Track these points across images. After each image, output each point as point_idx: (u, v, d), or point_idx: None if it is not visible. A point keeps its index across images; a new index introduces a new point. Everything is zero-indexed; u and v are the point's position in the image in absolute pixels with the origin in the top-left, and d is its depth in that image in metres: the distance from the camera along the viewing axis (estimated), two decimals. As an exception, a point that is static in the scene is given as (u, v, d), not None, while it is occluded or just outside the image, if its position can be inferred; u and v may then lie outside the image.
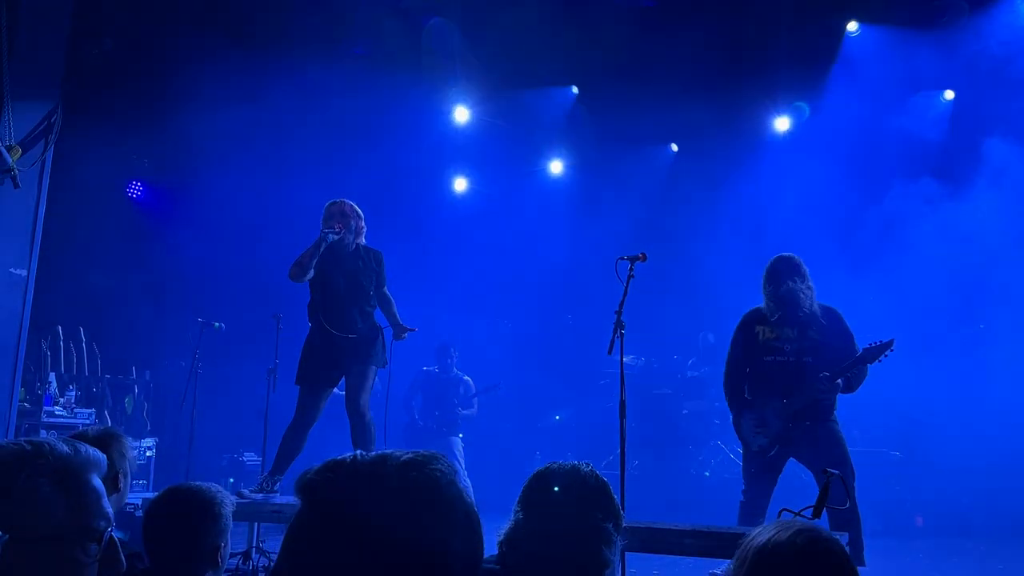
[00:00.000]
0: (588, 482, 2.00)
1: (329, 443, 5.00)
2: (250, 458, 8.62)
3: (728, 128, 9.12)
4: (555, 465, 2.06)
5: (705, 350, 9.43)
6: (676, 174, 10.03)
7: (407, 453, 1.08)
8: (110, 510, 1.38)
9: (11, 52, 6.12)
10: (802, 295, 4.81)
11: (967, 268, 8.10)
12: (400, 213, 9.30)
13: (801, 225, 8.30)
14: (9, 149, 6.15)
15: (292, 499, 4.71)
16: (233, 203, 8.69)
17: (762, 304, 4.98)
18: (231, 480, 8.37)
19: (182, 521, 2.38)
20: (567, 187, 10.50)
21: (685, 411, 9.47)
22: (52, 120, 6.64)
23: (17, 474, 1.27)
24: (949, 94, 8.97)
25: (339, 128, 8.98)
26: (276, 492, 5.16)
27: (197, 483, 2.51)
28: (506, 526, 1.98)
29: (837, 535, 3.54)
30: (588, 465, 2.06)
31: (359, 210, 5.55)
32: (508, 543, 1.95)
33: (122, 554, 1.38)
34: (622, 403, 4.24)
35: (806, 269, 4.88)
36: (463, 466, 8.22)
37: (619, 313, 4.31)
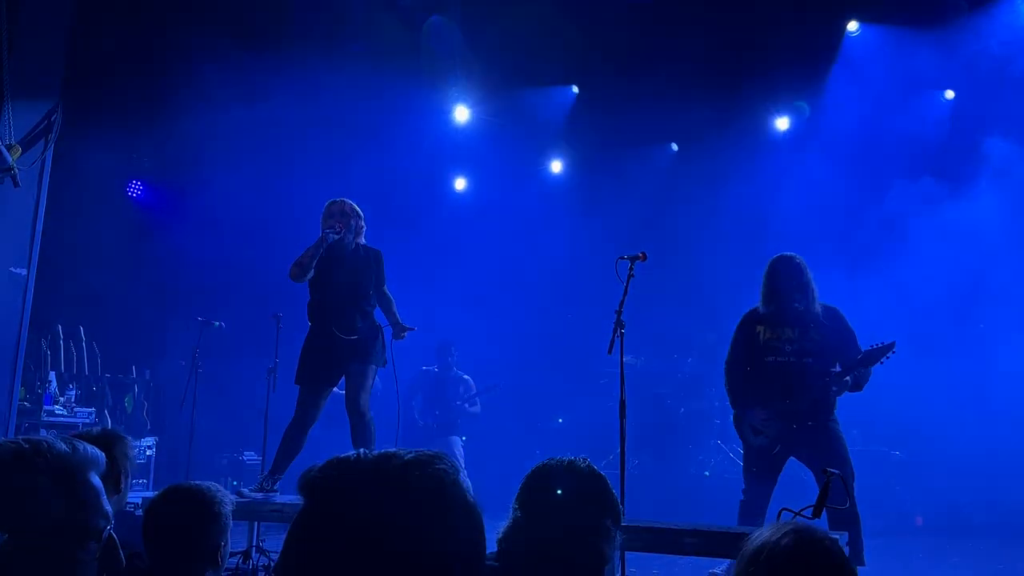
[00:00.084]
0: (586, 478, 2.00)
1: (329, 443, 5.00)
2: (250, 457, 8.62)
3: (728, 128, 9.11)
4: (553, 462, 2.05)
5: (704, 349, 9.42)
6: (676, 174, 10.02)
7: (410, 452, 1.08)
8: (109, 508, 1.38)
9: (11, 50, 6.12)
10: (803, 295, 4.81)
11: (967, 268, 8.10)
12: (400, 212, 9.29)
13: (801, 225, 8.30)
14: (9, 148, 6.15)
15: (292, 498, 4.74)
16: (233, 202, 8.69)
17: (762, 303, 4.97)
18: (231, 480, 8.37)
19: (182, 520, 2.38)
20: (567, 187, 10.50)
21: (684, 410, 9.46)
22: (52, 119, 6.65)
23: (16, 473, 1.28)
24: (949, 94, 8.97)
25: (339, 127, 8.98)
26: (276, 491, 5.16)
27: (197, 482, 2.51)
28: (505, 523, 1.98)
29: (836, 535, 3.55)
30: (586, 461, 2.05)
31: (359, 209, 5.56)
32: (508, 540, 1.95)
33: (121, 552, 1.38)
34: (622, 402, 4.24)
35: (808, 268, 4.88)
36: (463, 465, 8.22)
37: (619, 313, 4.32)
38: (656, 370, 9.70)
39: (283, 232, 7.75)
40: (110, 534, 1.37)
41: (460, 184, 10.85)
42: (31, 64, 6.45)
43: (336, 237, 5.35)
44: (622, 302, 4.32)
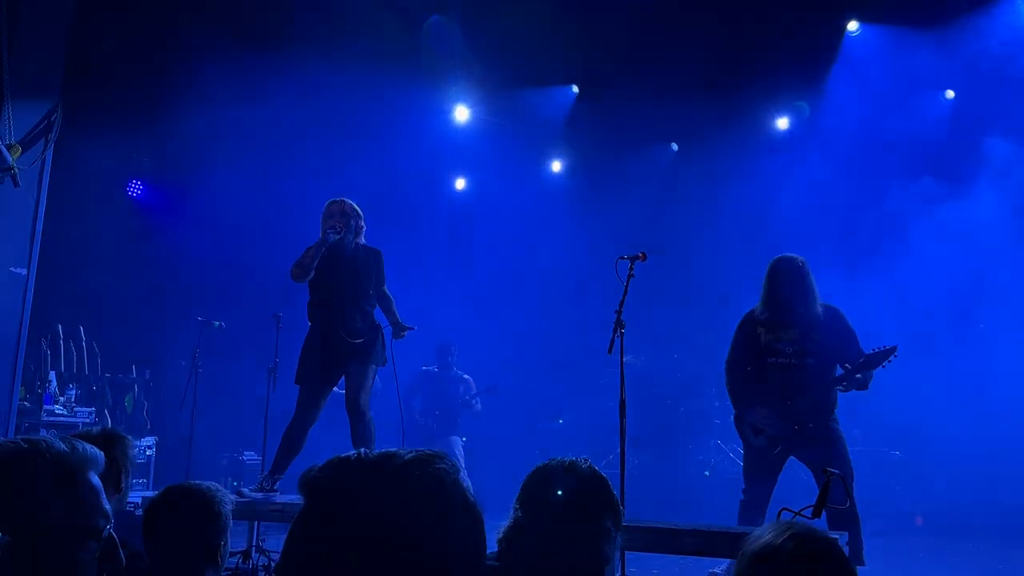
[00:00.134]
0: (587, 479, 2.00)
1: (329, 442, 5.00)
2: (250, 457, 8.62)
3: (729, 127, 9.12)
4: (554, 462, 2.05)
5: (704, 349, 9.42)
6: (676, 174, 10.03)
7: (410, 452, 1.08)
8: (109, 508, 1.38)
9: (11, 50, 6.12)
10: (804, 297, 4.80)
11: (967, 268, 8.10)
12: (401, 212, 9.30)
13: (801, 224, 8.30)
14: (9, 148, 6.15)
15: (292, 498, 4.73)
16: (233, 202, 8.69)
17: (764, 304, 4.97)
18: (231, 480, 8.37)
19: (182, 520, 2.38)
20: (567, 187, 10.50)
21: (684, 410, 9.46)
22: (52, 119, 6.65)
23: (15, 472, 1.27)
24: (949, 94, 8.98)
25: (339, 127, 8.98)
26: (276, 491, 5.16)
27: (197, 482, 2.51)
28: (506, 524, 1.98)
29: (836, 535, 3.55)
30: (587, 461, 2.05)
31: (359, 209, 5.56)
32: (508, 540, 1.95)
33: (121, 552, 1.38)
34: (622, 402, 4.24)
35: (809, 269, 4.87)
36: (463, 465, 8.22)
37: (619, 312, 4.32)
38: (656, 370, 9.70)
39: (283, 232, 7.75)
40: (110, 534, 1.37)
41: (460, 184, 10.85)
42: (31, 64, 6.45)
43: (336, 237, 5.36)
44: (622, 302, 4.32)
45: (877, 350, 4.62)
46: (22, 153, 6.31)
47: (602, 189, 9.92)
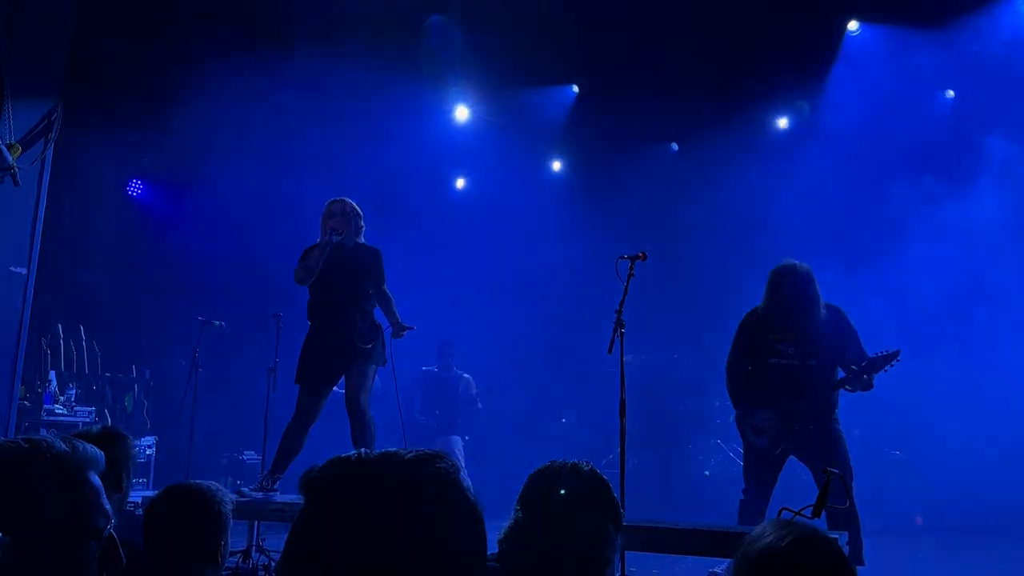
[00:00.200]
0: (588, 481, 2.00)
1: (329, 442, 5.00)
2: (250, 457, 8.62)
3: (729, 127, 9.12)
4: (555, 464, 2.05)
5: (704, 348, 9.42)
6: (677, 173, 10.02)
7: (411, 451, 1.08)
8: (109, 508, 1.38)
9: (11, 49, 6.11)
10: (807, 299, 4.80)
11: (967, 268, 8.10)
12: (401, 212, 9.30)
13: (801, 224, 8.30)
14: (9, 147, 6.15)
15: (292, 497, 4.73)
16: (233, 201, 8.70)
17: (765, 304, 4.97)
18: (232, 479, 8.37)
19: (182, 519, 2.38)
20: (567, 186, 10.50)
21: (684, 410, 9.46)
22: (52, 118, 6.64)
23: (15, 472, 1.27)
24: (950, 93, 8.98)
25: (340, 127, 8.98)
26: (276, 491, 5.16)
27: (197, 481, 2.51)
28: (506, 525, 1.98)
29: (836, 535, 3.55)
30: (588, 464, 2.05)
31: (358, 209, 5.56)
32: (509, 541, 1.95)
33: (121, 551, 1.38)
34: (622, 402, 4.24)
35: (813, 275, 4.87)
36: (463, 465, 8.22)
37: (619, 312, 4.32)
38: (656, 370, 9.70)
39: (283, 231, 7.75)
40: (110, 533, 1.37)
41: (460, 184, 10.85)
42: (31, 64, 6.45)
43: (339, 239, 5.36)
44: (622, 302, 4.33)
45: (880, 354, 4.63)
46: (22, 152, 6.30)
47: (602, 189, 9.92)
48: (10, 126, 6.20)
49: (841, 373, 4.81)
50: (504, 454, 8.60)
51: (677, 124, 9.54)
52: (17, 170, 6.19)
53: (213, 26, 7.64)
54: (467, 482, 1.10)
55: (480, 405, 8.93)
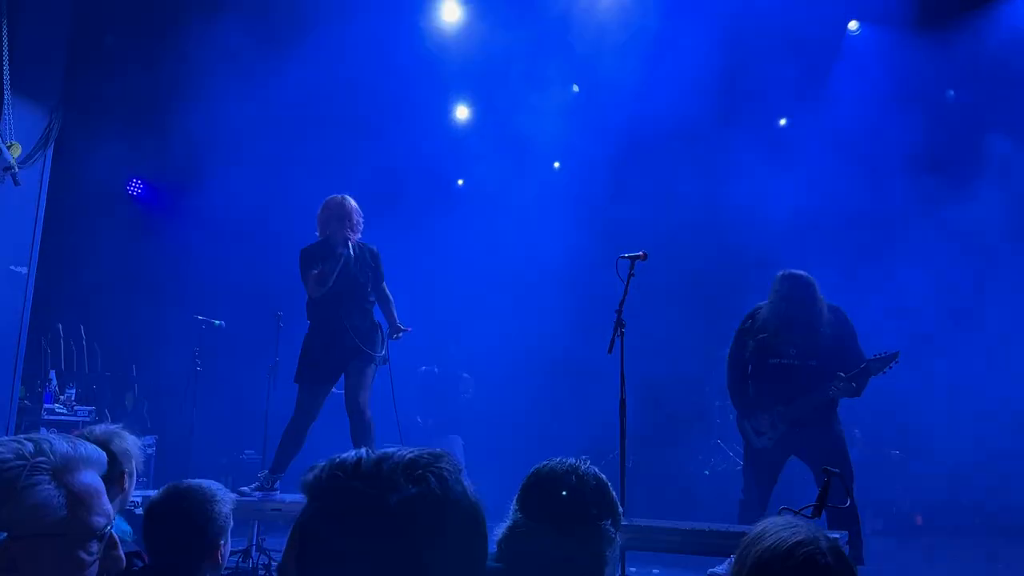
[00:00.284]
0: (587, 480, 2.00)
1: (329, 442, 5.00)
2: (250, 456, 8.63)
3: (729, 126, 9.11)
4: (554, 463, 2.05)
5: (704, 348, 9.42)
6: (676, 172, 10.01)
7: (411, 451, 1.08)
8: (110, 507, 1.37)
9: (11, 48, 6.11)
10: (810, 302, 4.81)
11: (967, 267, 8.10)
12: (401, 211, 9.29)
13: (801, 224, 8.30)
14: (9, 147, 6.15)
15: (292, 497, 4.74)
16: (234, 200, 8.69)
17: (766, 303, 4.97)
18: (231, 478, 8.37)
19: (182, 519, 2.38)
20: (568, 185, 10.49)
21: (684, 410, 9.45)
22: (52, 117, 6.65)
23: (16, 471, 1.27)
24: (950, 93, 8.97)
25: (340, 126, 8.98)
26: (276, 490, 5.16)
27: (197, 481, 2.51)
28: (505, 524, 1.98)
29: (836, 534, 3.55)
30: (587, 462, 2.05)
31: (358, 207, 5.54)
32: (508, 541, 1.95)
33: (122, 551, 1.38)
34: (622, 402, 4.25)
35: (816, 285, 4.87)
36: (463, 465, 8.22)
37: (619, 312, 4.32)
38: (656, 369, 9.69)
39: (284, 231, 7.74)
40: (111, 533, 1.37)
41: (461, 182, 10.86)
42: (31, 63, 6.45)
43: (347, 253, 5.31)
44: (622, 301, 4.33)
45: (878, 356, 4.63)
46: (22, 152, 6.31)
47: (602, 188, 9.91)
48: (10, 125, 6.21)
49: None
50: (504, 454, 8.59)
51: (676, 122, 9.53)
52: (17, 170, 6.20)
53: (213, 26, 7.64)
54: (467, 482, 1.10)
55: (469, 394, 8.89)
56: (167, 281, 9.13)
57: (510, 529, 1.96)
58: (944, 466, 7.62)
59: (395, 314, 5.59)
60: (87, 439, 1.48)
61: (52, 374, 7.62)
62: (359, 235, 5.55)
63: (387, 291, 5.62)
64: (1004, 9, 8.10)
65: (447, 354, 9.06)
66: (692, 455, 9.22)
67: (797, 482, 5.41)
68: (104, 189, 8.93)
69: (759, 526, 1.64)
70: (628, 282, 4.34)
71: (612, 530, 1.97)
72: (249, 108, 8.03)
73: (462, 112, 9.90)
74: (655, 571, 5.45)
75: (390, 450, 1.09)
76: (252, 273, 8.58)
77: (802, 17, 8.11)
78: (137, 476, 2.82)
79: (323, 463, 1.08)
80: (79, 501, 1.31)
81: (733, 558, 1.66)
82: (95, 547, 1.33)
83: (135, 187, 9.70)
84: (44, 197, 6.67)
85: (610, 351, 4.28)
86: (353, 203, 5.48)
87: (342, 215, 5.39)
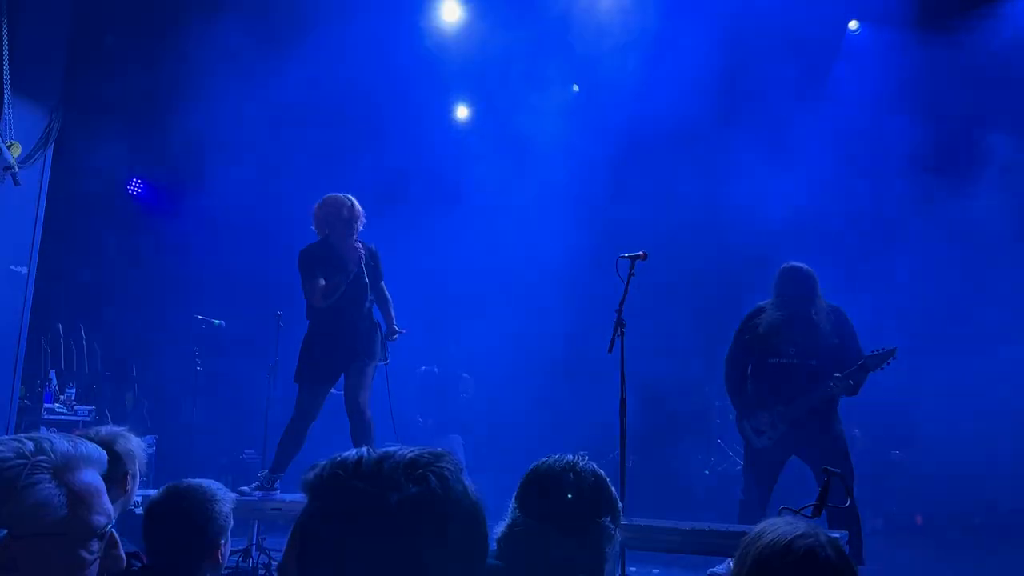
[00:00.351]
0: (585, 476, 2.00)
1: (329, 442, 5.00)
2: (250, 455, 8.63)
3: (728, 125, 9.11)
4: (552, 460, 2.04)
5: (704, 348, 9.42)
6: (676, 172, 10.02)
7: (412, 450, 1.08)
8: (111, 506, 1.38)
9: (11, 48, 6.11)
10: (809, 300, 4.81)
11: (967, 267, 8.10)
12: (402, 211, 9.29)
13: (801, 223, 8.30)
14: (9, 146, 6.15)
15: (292, 496, 4.73)
16: (234, 200, 8.69)
17: (766, 302, 4.98)
18: (231, 478, 8.37)
19: (182, 519, 2.38)
20: (568, 184, 10.49)
21: (684, 409, 9.46)
22: (52, 117, 6.65)
23: (17, 470, 1.27)
24: (950, 92, 8.97)
25: (341, 125, 8.98)
26: (276, 490, 5.16)
27: (197, 480, 2.51)
28: (505, 522, 1.98)
29: (836, 534, 3.55)
30: (585, 458, 2.05)
31: (359, 206, 5.52)
32: (507, 539, 1.95)
33: (122, 550, 1.38)
34: (622, 401, 4.25)
35: (816, 278, 4.89)
36: (464, 464, 8.22)
37: (619, 312, 4.32)
38: (656, 369, 9.69)
39: (284, 230, 7.74)
40: (111, 532, 1.37)
41: (460, 182, 10.85)
42: (31, 62, 6.45)
43: (357, 270, 5.29)
44: (622, 301, 4.33)
45: (876, 352, 4.63)
46: (22, 151, 6.31)
47: (602, 188, 9.91)
48: (10, 125, 6.21)
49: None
50: (504, 454, 8.60)
51: (676, 122, 9.53)
52: (17, 169, 6.20)
53: (213, 25, 7.64)
54: (468, 481, 1.10)
55: (468, 393, 8.89)
56: (167, 281, 9.13)
57: (509, 527, 1.96)
58: (944, 466, 7.62)
59: (393, 315, 5.58)
60: (91, 439, 1.48)
61: (52, 374, 7.62)
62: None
63: (386, 291, 5.61)
64: (1004, 9, 8.11)
65: (447, 354, 9.05)
66: (692, 455, 9.22)
67: (797, 482, 5.41)
68: (104, 189, 8.94)
69: (758, 527, 1.64)
70: (628, 282, 4.34)
71: (611, 527, 1.97)
72: (249, 108, 8.03)
73: (462, 112, 9.91)
74: (655, 571, 5.45)
75: (391, 449, 1.09)
76: (252, 273, 8.59)
77: (802, 17, 8.11)
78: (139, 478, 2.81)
79: (324, 462, 1.08)
80: (80, 500, 1.32)
81: (733, 560, 1.66)
82: (95, 546, 1.33)
83: (135, 187, 9.70)
84: (44, 197, 6.66)
85: (610, 351, 4.28)
86: (359, 206, 5.44)
87: (350, 219, 5.36)
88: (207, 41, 7.57)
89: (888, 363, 4.62)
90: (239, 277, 8.75)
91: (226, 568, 2.77)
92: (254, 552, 5.30)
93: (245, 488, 5.16)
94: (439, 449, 1.11)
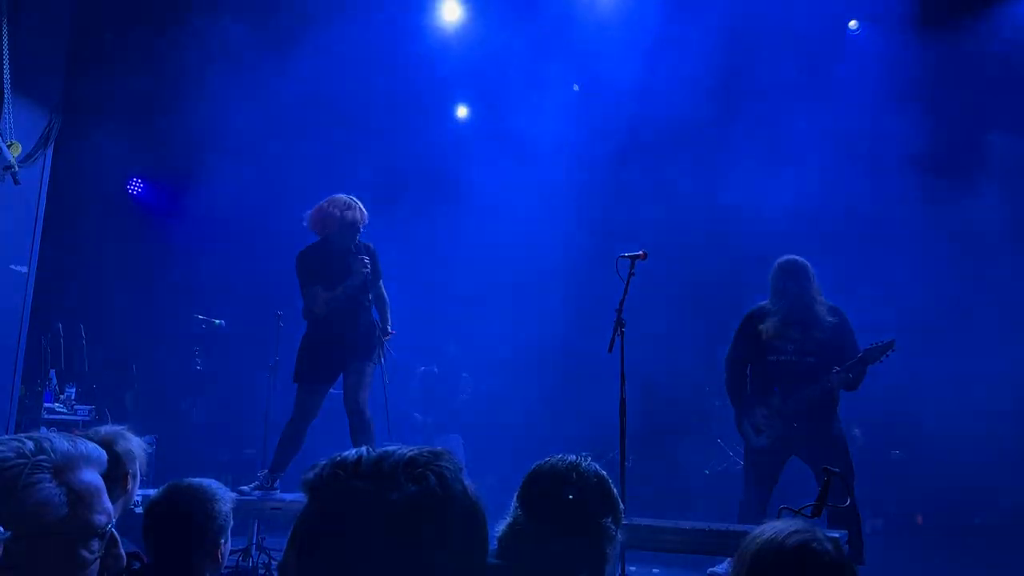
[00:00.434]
0: (587, 477, 2.00)
1: (329, 441, 5.01)
2: (250, 455, 8.63)
3: (728, 125, 9.11)
4: (555, 460, 2.05)
5: (704, 347, 9.42)
6: (676, 171, 10.02)
7: (412, 449, 1.08)
8: (111, 506, 1.38)
9: (11, 46, 6.11)
10: (807, 297, 4.82)
11: (967, 265, 8.09)
12: (401, 209, 9.30)
13: (801, 223, 8.29)
14: (9, 146, 6.15)
15: (292, 496, 4.74)
16: (234, 199, 8.69)
17: (765, 302, 4.98)
18: (231, 477, 8.37)
19: (182, 518, 2.38)
20: (568, 184, 10.49)
21: (684, 409, 9.46)
22: (52, 116, 6.64)
23: (18, 469, 1.27)
24: (950, 91, 8.97)
25: (341, 124, 8.98)
26: (276, 489, 5.16)
27: (197, 480, 2.51)
28: (506, 521, 1.98)
29: (836, 533, 3.55)
30: (587, 458, 2.05)
31: (363, 208, 5.50)
32: (508, 538, 1.95)
33: (122, 550, 1.38)
34: (622, 401, 4.25)
35: (812, 271, 4.89)
36: (463, 464, 8.22)
37: (619, 311, 4.32)
38: (656, 369, 9.69)
39: (284, 230, 7.74)
40: (112, 532, 1.37)
41: (461, 182, 10.86)
42: (31, 61, 6.45)
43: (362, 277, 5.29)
44: (622, 301, 4.33)
45: (875, 344, 4.64)
46: (22, 151, 6.30)
47: (602, 187, 9.91)
48: (10, 124, 6.20)
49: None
50: (504, 453, 8.60)
51: (676, 121, 9.53)
52: (17, 169, 6.20)
53: (214, 24, 7.64)
54: (467, 480, 1.10)
55: (466, 395, 8.89)
56: (167, 280, 9.13)
57: (511, 526, 1.96)
58: (944, 466, 7.62)
59: (388, 316, 5.57)
60: (91, 439, 1.48)
61: (52, 373, 7.61)
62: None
63: (383, 291, 5.60)
64: (1004, 9, 8.10)
65: (447, 354, 9.05)
66: (692, 455, 9.22)
67: (797, 482, 5.41)
68: (104, 188, 8.94)
69: (757, 529, 1.64)
70: (628, 281, 4.34)
71: (613, 527, 1.97)
72: (249, 107, 8.03)
73: (462, 111, 9.92)
74: (655, 570, 5.45)
75: (390, 448, 1.09)
76: (252, 273, 8.59)
77: (802, 16, 8.11)
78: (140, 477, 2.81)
79: (324, 462, 1.08)
80: (80, 499, 1.32)
81: (734, 558, 1.66)
82: (96, 545, 1.33)
83: (135, 186, 9.70)
84: (44, 196, 6.66)
85: (610, 350, 4.28)
86: (364, 211, 5.42)
87: (355, 221, 5.35)
88: (207, 41, 7.58)
89: (887, 355, 4.62)
90: (239, 277, 8.75)
91: (226, 568, 2.77)
92: (254, 552, 5.30)
93: (245, 488, 5.17)
94: (438, 448, 1.11)
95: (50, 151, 6.66)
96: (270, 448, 5.77)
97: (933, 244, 8.10)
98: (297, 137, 9.00)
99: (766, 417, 4.79)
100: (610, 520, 1.97)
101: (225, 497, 2.48)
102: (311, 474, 1.07)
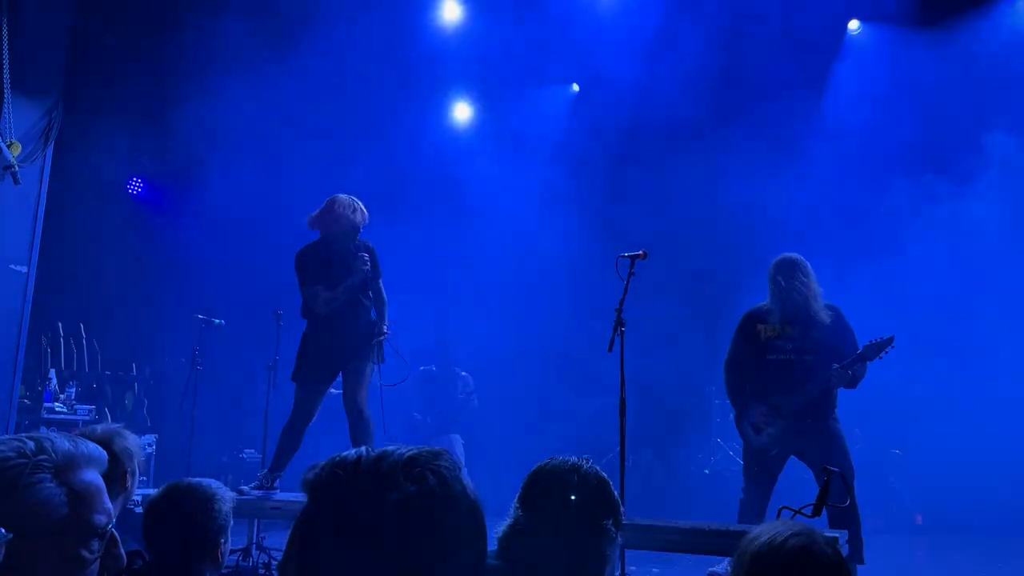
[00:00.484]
0: (588, 479, 2.00)
1: (329, 441, 5.01)
2: (250, 455, 8.63)
3: (728, 125, 9.11)
4: (556, 461, 2.05)
5: (704, 347, 9.42)
6: (676, 171, 10.02)
7: (411, 449, 1.08)
8: (111, 506, 1.38)
9: (11, 46, 6.11)
10: (805, 294, 4.82)
11: (968, 265, 8.10)
12: (401, 209, 9.29)
13: (802, 223, 8.30)
14: (9, 145, 6.15)
15: (292, 496, 4.73)
16: (234, 199, 8.69)
17: (764, 302, 4.98)
18: (231, 477, 8.38)
19: (182, 518, 2.38)
20: (568, 183, 10.49)
21: (684, 409, 9.46)
22: (52, 116, 6.65)
23: (18, 469, 1.27)
24: (949, 91, 8.97)
25: (341, 124, 8.98)
26: (275, 489, 5.16)
27: (197, 480, 2.52)
28: (506, 522, 1.98)
29: (836, 533, 3.55)
30: (588, 460, 2.05)
31: (364, 208, 5.49)
32: (508, 539, 1.95)
33: (122, 550, 1.39)
34: (622, 401, 4.25)
35: (811, 269, 4.89)
36: (463, 463, 8.21)
37: (619, 311, 4.32)
38: (656, 369, 9.69)
39: (284, 229, 7.74)
40: (112, 532, 1.37)
41: (461, 182, 10.86)
42: (31, 61, 6.45)
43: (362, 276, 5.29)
44: (622, 300, 4.32)
45: (874, 341, 4.64)
46: (23, 150, 6.31)
47: (602, 187, 9.92)
48: (10, 124, 6.20)
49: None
50: (504, 453, 8.60)
51: (676, 121, 9.54)
52: (17, 168, 6.20)
53: (214, 24, 7.64)
54: (466, 480, 1.10)
55: (476, 403, 8.91)
56: (167, 279, 9.13)
57: (511, 527, 1.96)
58: (944, 465, 7.63)
59: (386, 316, 5.56)
60: (88, 438, 1.48)
61: (52, 373, 7.62)
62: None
63: (382, 291, 5.58)
64: (1004, 8, 8.11)
65: (447, 354, 9.05)
66: (692, 455, 9.23)
67: (797, 482, 5.41)
68: (104, 188, 8.94)
69: (756, 529, 1.64)
70: (628, 281, 4.34)
71: (613, 529, 1.97)
72: (249, 107, 8.03)
73: (462, 110, 9.91)
74: (655, 570, 5.45)
75: (389, 448, 1.09)
76: (252, 272, 8.59)
77: (802, 16, 8.11)
78: (138, 475, 2.81)
79: (324, 462, 1.08)
80: (80, 499, 1.32)
81: (733, 558, 1.66)
82: (96, 545, 1.33)
83: (135, 186, 9.70)
84: (44, 196, 6.66)
85: (610, 350, 4.28)
86: (365, 211, 5.42)
87: (357, 221, 5.35)
88: (207, 40, 7.57)
89: (886, 352, 4.62)
90: (239, 276, 8.74)
91: (226, 567, 2.77)
92: (254, 551, 5.30)
93: (245, 487, 5.16)
94: (437, 448, 1.11)
95: (50, 151, 6.66)
96: (270, 448, 5.77)
97: (933, 243, 8.10)
98: (297, 137, 9.00)
99: (766, 416, 4.79)
100: (611, 522, 1.97)
101: (225, 497, 2.49)
102: (311, 474, 1.07)
